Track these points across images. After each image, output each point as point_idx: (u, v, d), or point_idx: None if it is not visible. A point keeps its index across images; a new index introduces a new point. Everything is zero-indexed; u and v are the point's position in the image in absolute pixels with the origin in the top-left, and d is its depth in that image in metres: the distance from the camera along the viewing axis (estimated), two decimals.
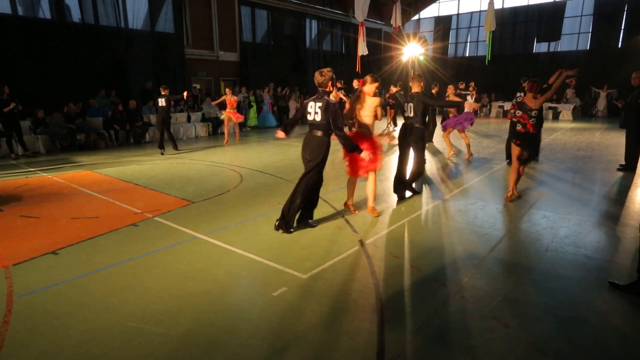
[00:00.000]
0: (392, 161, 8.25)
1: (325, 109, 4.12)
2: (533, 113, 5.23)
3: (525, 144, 5.37)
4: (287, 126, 4.57)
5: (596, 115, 19.06)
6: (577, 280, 3.37)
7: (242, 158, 9.21)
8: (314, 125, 4.28)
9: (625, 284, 3.15)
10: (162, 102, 9.74)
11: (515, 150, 5.44)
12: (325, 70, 4.28)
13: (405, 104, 5.57)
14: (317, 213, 5.14)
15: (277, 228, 4.44)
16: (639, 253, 3.10)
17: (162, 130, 9.99)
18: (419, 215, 5.07)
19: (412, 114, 5.49)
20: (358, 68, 14.42)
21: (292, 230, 4.42)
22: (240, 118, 11.84)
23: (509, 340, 2.59)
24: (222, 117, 11.77)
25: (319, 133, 4.25)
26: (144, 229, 4.63)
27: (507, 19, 22.32)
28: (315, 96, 4.29)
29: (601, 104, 18.96)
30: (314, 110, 4.22)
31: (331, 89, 4.25)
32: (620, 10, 19.52)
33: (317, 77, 4.24)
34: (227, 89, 11.54)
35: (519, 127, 5.35)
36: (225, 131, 11.68)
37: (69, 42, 11.66)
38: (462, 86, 11.77)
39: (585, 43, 20.85)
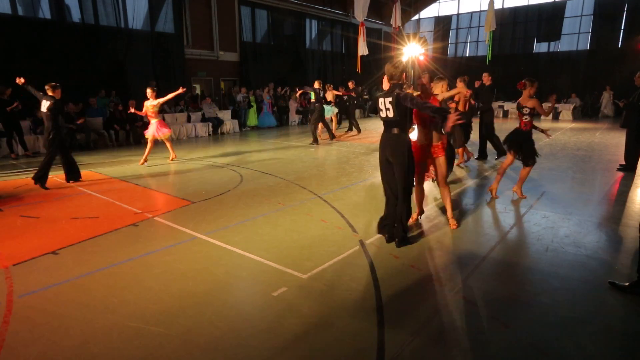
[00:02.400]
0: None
1: (397, 104, 3.75)
2: (525, 110, 5.30)
3: (516, 141, 5.41)
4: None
5: (599, 115, 19.07)
6: (577, 280, 3.37)
7: (242, 158, 9.21)
8: (388, 122, 3.92)
9: (626, 284, 3.15)
10: (44, 106, 6.53)
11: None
12: (397, 61, 3.91)
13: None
14: (317, 213, 5.15)
15: (400, 245, 4.04)
16: (639, 253, 3.10)
17: (51, 154, 6.61)
18: (418, 216, 5.06)
19: None
20: (358, 68, 14.43)
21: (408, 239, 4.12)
22: (166, 132, 8.48)
23: (509, 340, 2.59)
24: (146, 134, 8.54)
25: (396, 130, 3.88)
26: (144, 229, 4.63)
27: (507, 19, 22.30)
28: (385, 91, 3.94)
29: (607, 105, 18.96)
30: (384, 107, 3.86)
31: (404, 81, 3.93)
32: (620, 10, 19.50)
33: (390, 70, 3.87)
34: (148, 89, 8.31)
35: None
36: (147, 149, 8.50)
37: (69, 42, 11.65)
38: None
39: (585, 43, 20.83)
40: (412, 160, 3.95)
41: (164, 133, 8.46)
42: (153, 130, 8.37)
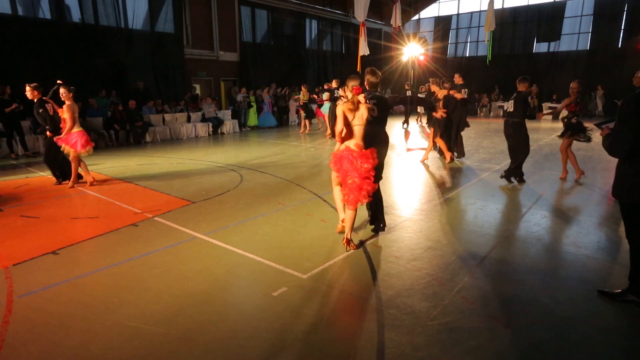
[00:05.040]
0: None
1: (382, 105, 4.30)
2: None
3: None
4: None
5: (594, 114, 19.11)
6: (577, 280, 3.37)
7: (242, 158, 9.21)
8: (372, 120, 4.14)
9: (615, 291, 3.08)
10: None
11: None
12: (378, 71, 4.35)
13: (511, 100, 6.54)
14: (317, 213, 5.15)
15: (377, 231, 4.46)
16: (630, 259, 3.07)
17: None
18: (418, 216, 5.07)
19: (512, 110, 6.47)
20: (358, 68, 14.42)
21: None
22: (65, 143, 6.27)
23: (509, 340, 2.59)
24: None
25: (378, 126, 4.31)
26: (144, 229, 4.63)
27: (507, 19, 22.31)
28: (367, 94, 4.21)
29: (599, 104, 19.04)
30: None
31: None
32: (620, 10, 19.51)
33: (372, 78, 4.27)
34: (62, 88, 6.28)
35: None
36: (82, 166, 6.55)
37: (69, 42, 11.65)
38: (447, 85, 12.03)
39: (585, 43, 20.84)
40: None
41: (87, 148, 6.40)
42: (76, 143, 6.29)
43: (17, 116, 9.50)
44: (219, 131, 14.06)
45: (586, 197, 5.85)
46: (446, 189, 6.39)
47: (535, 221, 4.82)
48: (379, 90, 4.39)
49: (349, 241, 3.98)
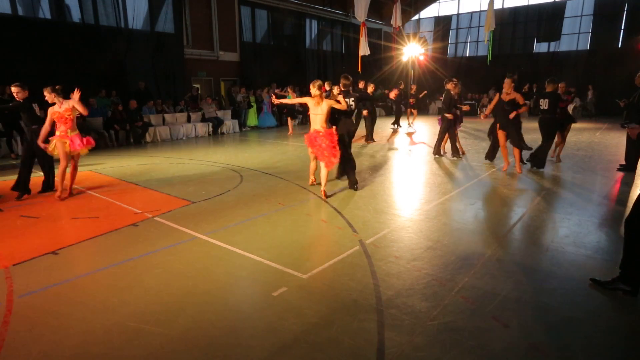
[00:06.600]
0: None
1: (359, 100, 6.33)
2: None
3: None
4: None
5: (593, 114, 19.14)
6: (577, 280, 3.36)
7: (242, 158, 9.21)
8: (348, 112, 6.25)
9: (606, 280, 3.18)
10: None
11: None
12: (350, 76, 6.46)
13: (542, 99, 7.49)
14: (317, 213, 5.16)
15: (356, 188, 6.20)
16: (623, 249, 3.12)
17: None
18: (419, 216, 5.07)
19: (547, 107, 7.44)
20: (359, 68, 14.42)
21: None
22: (83, 147, 6.06)
23: (509, 340, 2.59)
24: (50, 148, 5.98)
25: (348, 116, 6.32)
26: (144, 229, 4.63)
27: (507, 19, 22.30)
28: (343, 93, 6.18)
29: (589, 104, 19.13)
30: (348, 103, 6.06)
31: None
32: (620, 10, 19.50)
33: (345, 81, 6.36)
34: (46, 90, 6.23)
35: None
36: (61, 174, 5.86)
37: (69, 42, 11.65)
38: (401, 86, 12.67)
39: (585, 43, 20.83)
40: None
41: (86, 144, 6.12)
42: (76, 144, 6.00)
43: (17, 116, 9.48)
44: (219, 131, 14.07)
45: (586, 197, 5.85)
46: (446, 189, 6.39)
47: (535, 221, 4.81)
48: (351, 91, 6.51)
49: (325, 193, 5.81)
